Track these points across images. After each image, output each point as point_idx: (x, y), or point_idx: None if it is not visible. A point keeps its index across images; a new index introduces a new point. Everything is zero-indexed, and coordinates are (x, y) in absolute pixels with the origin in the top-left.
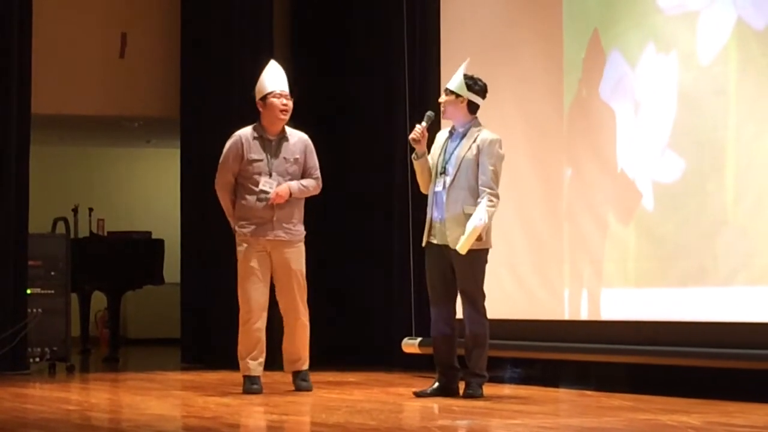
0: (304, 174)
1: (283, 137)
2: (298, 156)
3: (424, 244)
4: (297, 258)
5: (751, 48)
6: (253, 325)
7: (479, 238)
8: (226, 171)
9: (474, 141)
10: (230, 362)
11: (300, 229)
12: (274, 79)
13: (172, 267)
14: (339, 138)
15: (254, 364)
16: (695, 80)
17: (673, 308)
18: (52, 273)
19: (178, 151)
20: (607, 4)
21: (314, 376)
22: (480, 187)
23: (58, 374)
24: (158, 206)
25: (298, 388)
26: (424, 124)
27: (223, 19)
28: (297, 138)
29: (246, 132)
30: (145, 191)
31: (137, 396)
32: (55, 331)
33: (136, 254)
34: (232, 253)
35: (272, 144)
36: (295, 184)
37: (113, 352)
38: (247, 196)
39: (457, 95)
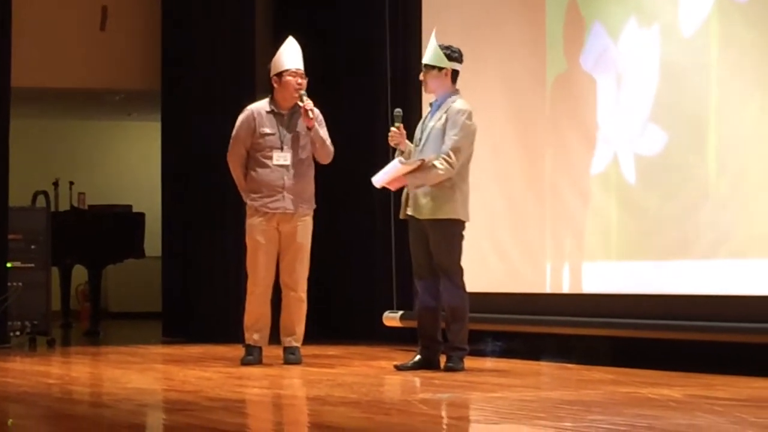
0: None
1: (295, 111)
2: None
3: (401, 216)
4: (303, 231)
5: (734, 20)
6: (258, 297)
7: (401, 181)
8: (239, 144)
9: (446, 111)
10: (212, 336)
11: (309, 204)
12: (290, 56)
13: (153, 240)
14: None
15: (256, 336)
16: (677, 53)
17: (654, 281)
18: (33, 246)
19: (159, 125)
20: None
21: None
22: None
23: (38, 348)
24: (139, 179)
25: (287, 362)
26: (397, 124)
27: None
28: None
29: (258, 106)
30: (126, 164)
31: (118, 370)
32: (35, 304)
33: (116, 228)
34: (213, 226)
35: (284, 118)
36: (321, 130)
37: (94, 325)
38: (258, 169)
39: (440, 68)
